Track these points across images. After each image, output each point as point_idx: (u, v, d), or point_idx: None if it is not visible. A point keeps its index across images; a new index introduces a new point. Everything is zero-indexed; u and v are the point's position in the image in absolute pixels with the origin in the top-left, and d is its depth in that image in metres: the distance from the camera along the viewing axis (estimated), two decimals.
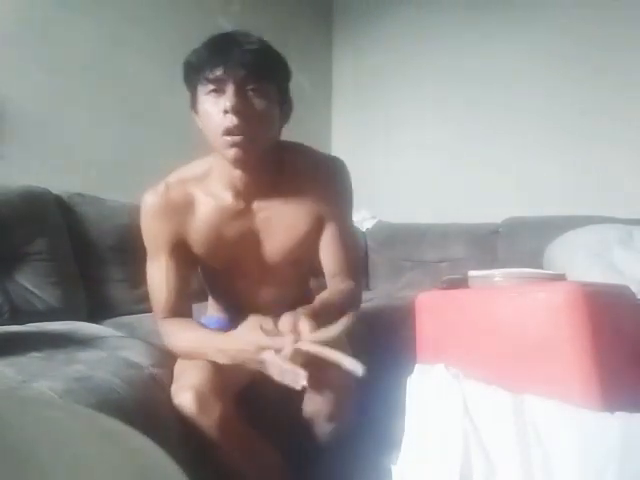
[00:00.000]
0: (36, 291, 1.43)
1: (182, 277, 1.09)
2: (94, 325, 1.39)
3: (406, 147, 2.76)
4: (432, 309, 1.01)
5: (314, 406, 1.03)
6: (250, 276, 1.14)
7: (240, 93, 0.91)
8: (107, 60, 1.96)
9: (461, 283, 1.04)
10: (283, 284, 1.18)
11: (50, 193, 1.59)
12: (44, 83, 1.77)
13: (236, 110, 0.90)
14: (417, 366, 0.92)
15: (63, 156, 1.81)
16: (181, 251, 1.08)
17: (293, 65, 1.02)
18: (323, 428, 1.05)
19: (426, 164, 2.69)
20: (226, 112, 0.90)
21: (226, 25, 2.45)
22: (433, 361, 0.90)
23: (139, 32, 2.08)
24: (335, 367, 0.77)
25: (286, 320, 0.85)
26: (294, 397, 1.05)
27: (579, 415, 0.69)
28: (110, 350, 1.13)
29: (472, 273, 1.05)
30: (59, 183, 1.65)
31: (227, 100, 0.90)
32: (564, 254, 1.72)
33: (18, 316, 1.34)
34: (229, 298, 1.26)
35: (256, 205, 1.07)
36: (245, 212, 1.07)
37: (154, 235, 1.07)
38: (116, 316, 1.57)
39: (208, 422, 0.91)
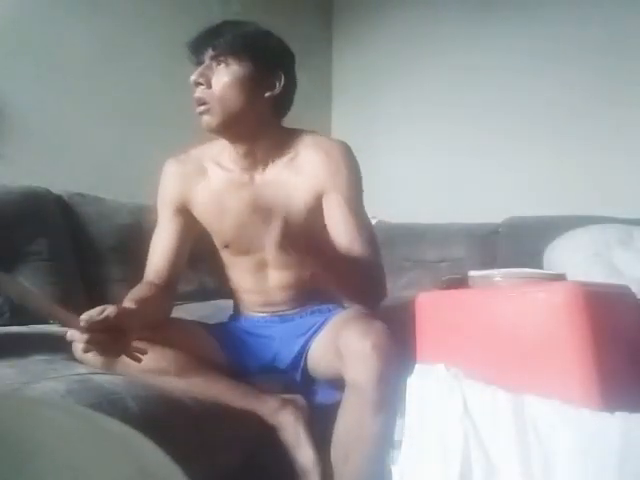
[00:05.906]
0: (36, 291, 1.43)
1: (178, 246, 1.14)
2: None
3: (406, 147, 2.76)
4: (432, 309, 1.01)
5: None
6: (253, 255, 1.15)
7: (206, 67, 1.02)
8: (107, 60, 1.96)
9: (461, 283, 1.04)
10: (288, 266, 1.14)
11: (50, 193, 1.59)
12: (44, 83, 1.77)
13: (195, 82, 1.00)
14: (417, 366, 0.92)
15: (63, 156, 1.80)
16: (185, 219, 1.15)
17: None
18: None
19: (426, 164, 2.69)
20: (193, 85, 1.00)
21: None
22: (433, 361, 0.90)
23: (139, 32, 2.08)
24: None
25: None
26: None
27: (579, 415, 0.69)
28: None
29: (472, 273, 1.04)
30: (59, 183, 1.65)
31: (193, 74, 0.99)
32: (564, 254, 1.72)
33: (18, 316, 1.34)
34: (238, 282, 1.23)
35: (258, 178, 1.12)
36: (248, 184, 1.12)
37: (164, 197, 1.16)
38: None
39: None
